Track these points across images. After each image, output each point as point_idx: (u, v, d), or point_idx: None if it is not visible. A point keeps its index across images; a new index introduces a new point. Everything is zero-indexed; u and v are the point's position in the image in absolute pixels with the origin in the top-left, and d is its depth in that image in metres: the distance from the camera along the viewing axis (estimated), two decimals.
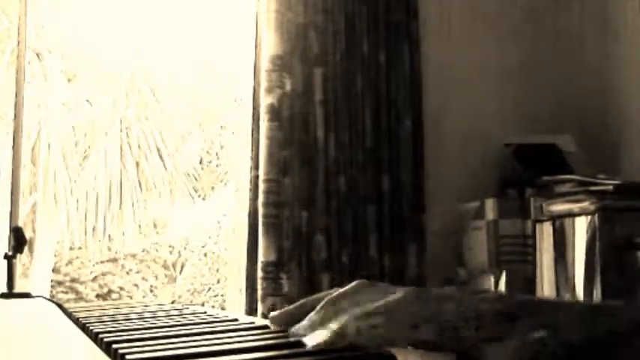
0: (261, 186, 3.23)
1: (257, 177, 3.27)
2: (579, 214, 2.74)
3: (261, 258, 3.18)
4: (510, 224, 3.09)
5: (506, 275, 3.01)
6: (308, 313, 0.74)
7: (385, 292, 0.68)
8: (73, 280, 9.35)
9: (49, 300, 1.58)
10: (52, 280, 8.95)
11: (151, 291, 9.52)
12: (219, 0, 7.75)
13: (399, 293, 0.66)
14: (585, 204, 2.70)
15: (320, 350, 0.62)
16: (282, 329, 0.78)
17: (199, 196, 9.33)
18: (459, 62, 3.60)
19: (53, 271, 9.03)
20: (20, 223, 3.49)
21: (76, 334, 0.87)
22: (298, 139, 3.27)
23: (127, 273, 9.55)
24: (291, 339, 0.69)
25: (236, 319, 0.88)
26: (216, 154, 9.41)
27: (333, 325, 0.66)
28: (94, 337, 0.76)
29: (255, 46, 3.39)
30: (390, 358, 0.54)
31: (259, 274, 3.18)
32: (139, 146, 8.95)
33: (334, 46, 3.35)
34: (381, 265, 3.27)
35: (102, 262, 9.42)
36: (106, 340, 0.69)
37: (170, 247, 9.70)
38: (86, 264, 9.39)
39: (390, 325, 0.62)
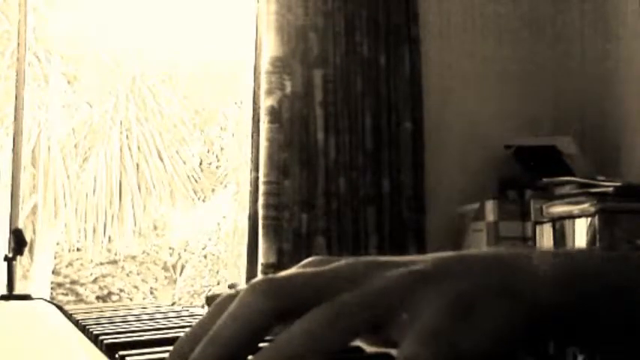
0: (261, 188, 3.23)
1: (257, 179, 3.27)
2: (579, 216, 2.74)
3: (261, 260, 3.18)
4: (510, 226, 3.09)
5: None
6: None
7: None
8: (73, 282, 9.35)
9: (49, 302, 1.58)
10: (52, 282, 8.94)
11: (151, 293, 9.51)
12: (220, 2, 7.75)
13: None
14: (585, 206, 2.70)
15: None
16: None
17: (199, 198, 9.32)
18: (459, 64, 3.60)
19: (53, 273, 9.02)
20: (20, 225, 3.49)
21: (77, 336, 0.87)
22: (298, 140, 3.27)
23: (127, 275, 9.55)
24: None
25: None
26: (216, 156, 9.40)
27: None
28: (94, 339, 0.76)
29: (255, 48, 3.39)
30: (390, 358, 0.54)
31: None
32: (138, 148, 8.94)
33: (334, 48, 3.35)
34: None
35: (102, 264, 9.41)
36: (106, 342, 0.69)
37: (170, 249, 9.70)
38: (86, 266, 9.39)
39: None
